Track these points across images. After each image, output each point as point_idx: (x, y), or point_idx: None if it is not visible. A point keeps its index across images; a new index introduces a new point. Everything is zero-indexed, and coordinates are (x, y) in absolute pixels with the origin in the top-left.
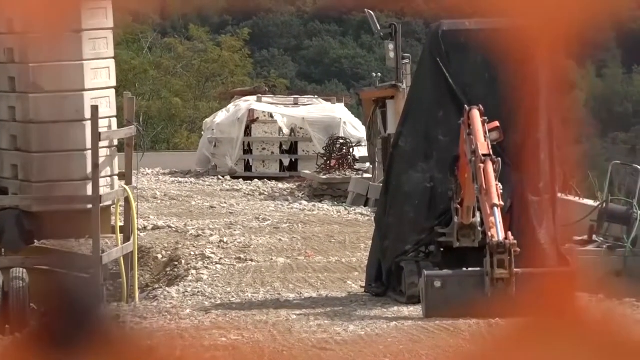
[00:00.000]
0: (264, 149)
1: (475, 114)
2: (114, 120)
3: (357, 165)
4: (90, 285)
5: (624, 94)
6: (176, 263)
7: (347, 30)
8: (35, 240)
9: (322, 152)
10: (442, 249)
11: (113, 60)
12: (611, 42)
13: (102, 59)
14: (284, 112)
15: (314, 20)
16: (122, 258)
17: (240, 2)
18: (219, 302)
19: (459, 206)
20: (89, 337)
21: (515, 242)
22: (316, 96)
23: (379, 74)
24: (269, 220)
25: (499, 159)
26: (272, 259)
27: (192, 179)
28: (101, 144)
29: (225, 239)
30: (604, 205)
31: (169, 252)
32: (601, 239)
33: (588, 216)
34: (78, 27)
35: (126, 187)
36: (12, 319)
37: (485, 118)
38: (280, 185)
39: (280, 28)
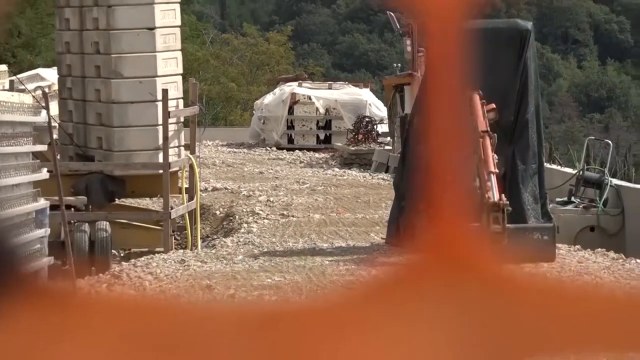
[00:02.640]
0: (303, 125)
1: (476, 97)
2: (181, 101)
3: (380, 139)
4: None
5: (599, 82)
6: (231, 218)
7: (373, 29)
8: (116, 199)
9: (351, 128)
10: None
11: (180, 52)
12: (589, 40)
13: (171, 50)
14: (320, 95)
15: (346, 20)
16: (187, 214)
17: (286, 5)
18: (265, 250)
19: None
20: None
21: (507, 202)
22: (347, 82)
23: (399, 64)
24: (307, 183)
25: (495, 134)
26: (309, 215)
27: (245, 150)
28: (170, 120)
29: (271, 199)
30: (581, 173)
31: (225, 209)
32: (578, 200)
33: (568, 182)
34: (152, 25)
35: (190, 156)
36: (97, 263)
37: (484, 101)
38: (316, 155)
39: (318, 26)
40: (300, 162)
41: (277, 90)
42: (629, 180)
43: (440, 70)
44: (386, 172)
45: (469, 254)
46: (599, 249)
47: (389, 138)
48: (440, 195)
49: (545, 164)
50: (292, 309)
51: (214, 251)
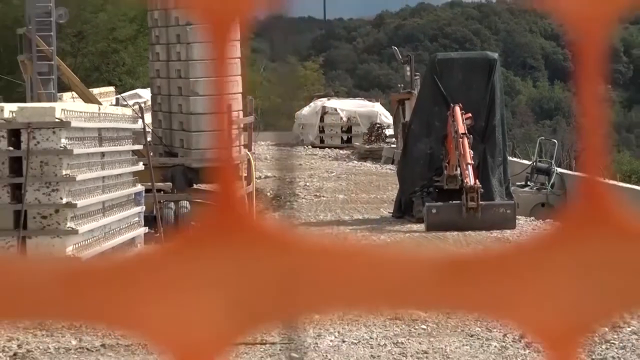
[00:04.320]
0: (331, 129)
1: (457, 109)
2: (241, 112)
3: (387, 140)
4: None
5: (549, 97)
6: (278, 198)
7: (383, 59)
8: (194, 184)
9: (366, 131)
10: (437, 190)
11: (240, 77)
12: (542, 66)
13: (233, 75)
14: (344, 107)
15: (363, 53)
16: (246, 195)
17: (319, 41)
18: (303, 221)
19: (447, 164)
20: None
21: (480, 185)
22: (363, 98)
23: (401, 85)
24: (334, 172)
25: (471, 136)
26: (335, 196)
27: (288, 148)
28: (233, 126)
29: (307, 183)
30: (535, 164)
31: (274, 191)
32: (532, 184)
33: (525, 170)
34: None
35: (248, 153)
36: (180, 232)
37: (463, 111)
38: (341, 151)
39: (343, 57)
40: (329, 157)
41: (312, 104)
42: (570, 169)
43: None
44: (392, 163)
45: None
46: (548, 220)
47: (394, 139)
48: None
49: (508, 157)
50: None
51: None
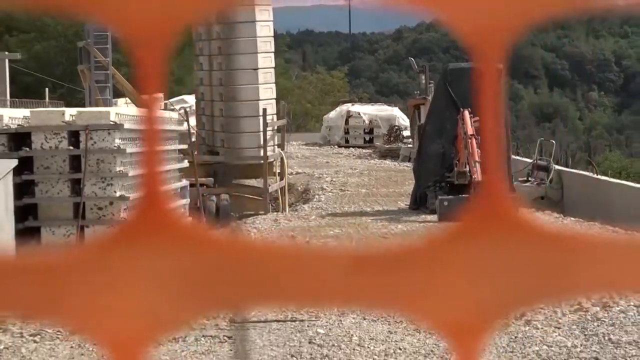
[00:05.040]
0: (355, 131)
1: (466, 113)
2: (275, 116)
3: (405, 140)
4: None
5: (548, 103)
6: (308, 191)
7: (402, 68)
8: (233, 180)
9: (386, 133)
10: (448, 185)
11: (274, 84)
12: (542, 75)
13: (268, 83)
14: (366, 112)
15: (384, 63)
16: (279, 189)
17: (345, 53)
18: (330, 212)
19: (457, 162)
20: None
21: None
22: (383, 103)
23: (417, 92)
24: (357, 169)
25: (479, 137)
26: (358, 190)
27: (317, 147)
28: (268, 128)
29: (333, 179)
30: (535, 161)
31: (304, 186)
32: (532, 179)
33: (526, 167)
34: (256, 67)
35: (281, 151)
36: (221, 222)
37: (472, 114)
38: (363, 150)
39: (366, 67)
40: (353, 156)
41: (338, 109)
42: (567, 166)
43: None
44: (409, 161)
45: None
46: (547, 211)
47: (410, 139)
48: None
49: (512, 156)
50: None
51: (296, 213)
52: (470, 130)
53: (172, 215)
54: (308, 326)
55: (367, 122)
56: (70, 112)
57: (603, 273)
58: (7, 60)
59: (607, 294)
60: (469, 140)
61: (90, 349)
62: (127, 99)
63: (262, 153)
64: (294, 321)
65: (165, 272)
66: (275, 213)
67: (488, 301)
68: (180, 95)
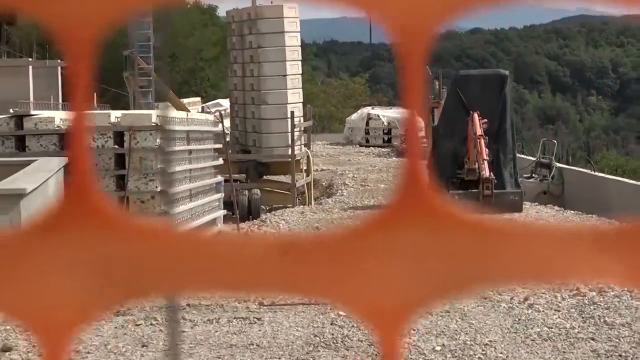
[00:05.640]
0: (375, 131)
1: (475, 115)
2: (302, 118)
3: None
4: None
5: (551, 106)
6: (331, 187)
7: None
8: (264, 176)
9: (403, 134)
10: (459, 181)
11: (301, 89)
12: (545, 81)
13: (295, 88)
14: (385, 114)
15: None
16: (305, 184)
17: (365, 61)
18: (351, 205)
19: (467, 160)
20: None
21: (494, 177)
22: (400, 107)
23: (432, 96)
24: (377, 166)
25: (487, 137)
26: (378, 185)
27: (340, 147)
28: (295, 129)
29: (355, 175)
30: (538, 159)
31: (328, 181)
32: (536, 176)
33: (530, 165)
34: (284, 73)
35: (307, 150)
36: (252, 214)
37: (481, 117)
38: (382, 149)
39: (385, 73)
40: (373, 154)
41: (359, 111)
42: (567, 164)
43: None
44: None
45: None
46: (549, 205)
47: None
48: None
49: (517, 154)
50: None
51: (321, 206)
52: (479, 131)
53: (100, 203)
54: (330, 309)
55: (385, 123)
56: (115, 115)
57: (527, 263)
58: (59, 68)
59: (532, 283)
60: (478, 140)
61: (133, 329)
62: (167, 102)
63: (289, 152)
64: (318, 304)
65: (91, 260)
66: (302, 206)
67: (409, 288)
68: (216, 99)
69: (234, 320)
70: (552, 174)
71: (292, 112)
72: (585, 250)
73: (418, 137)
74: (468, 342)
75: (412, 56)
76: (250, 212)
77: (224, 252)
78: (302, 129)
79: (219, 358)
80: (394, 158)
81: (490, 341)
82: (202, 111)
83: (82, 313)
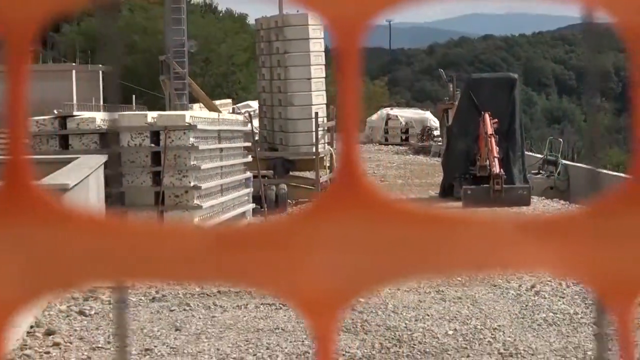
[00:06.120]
0: (393, 131)
1: (487, 116)
2: (325, 118)
3: (435, 139)
4: None
5: (557, 107)
6: None
7: (433, 78)
8: (290, 172)
9: (419, 133)
10: (471, 176)
11: (324, 91)
12: (552, 84)
13: (319, 90)
14: (403, 115)
15: (419, 73)
16: (328, 180)
17: (385, 65)
18: None
19: (479, 157)
20: None
21: (504, 173)
22: (417, 108)
23: (446, 98)
24: (395, 163)
25: (497, 136)
26: (396, 180)
27: (361, 145)
28: (319, 129)
29: (374, 172)
30: (546, 157)
31: None
32: (543, 172)
33: (538, 162)
34: (309, 77)
35: (331, 148)
36: (279, 208)
37: (491, 117)
38: (400, 147)
39: (403, 77)
40: (391, 152)
41: (379, 112)
42: (573, 161)
43: None
44: (438, 157)
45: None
46: (555, 199)
47: (440, 138)
48: None
49: (525, 152)
50: None
51: None
52: (490, 130)
53: (32, 193)
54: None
55: (403, 123)
56: (152, 115)
57: (461, 253)
58: (101, 72)
59: (472, 273)
60: (489, 139)
61: (168, 314)
62: (200, 104)
63: (314, 149)
64: None
65: (25, 246)
66: None
67: (342, 277)
68: (246, 101)
69: (261, 306)
70: (558, 171)
71: (317, 113)
72: (519, 240)
73: (354, 129)
74: (478, 327)
75: (348, 50)
76: (278, 206)
77: (160, 243)
78: (326, 128)
79: (247, 341)
80: (410, 155)
81: (499, 326)
82: (233, 112)
83: (20, 298)
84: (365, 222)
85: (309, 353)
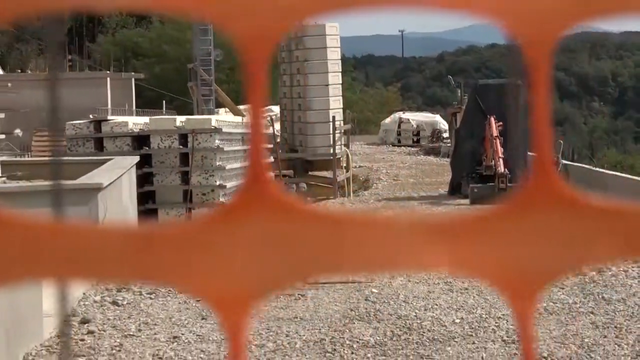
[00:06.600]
0: (406, 133)
1: (492, 119)
2: (342, 122)
3: (444, 141)
4: None
5: (559, 111)
6: (368, 181)
7: (443, 84)
8: (309, 172)
9: (430, 135)
10: (478, 176)
11: (341, 97)
12: (554, 88)
13: (336, 96)
14: (414, 118)
15: (430, 80)
16: (345, 179)
17: (398, 72)
18: (385, 197)
19: (485, 158)
20: None
21: (509, 172)
22: (428, 112)
23: (455, 102)
24: (407, 163)
25: (502, 137)
26: (408, 179)
27: (375, 146)
28: (336, 132)
29: (388, 171)
30: None
31: (364, 176)
32: None
33: None
34: (327, 83)
35: (347, 150)
36: None
37: (497, 120)
38: (412, 148)
39: (415, 83)
40: (403, 153)
41: (392, 116)
42: (573, 161)
43: None
44: (447, 157)
45: None
46: None
47: (449, 140)
48: None
49: (529, 153)
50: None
51: (358, 198)
52: (495, 132)
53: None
54: (364, 287)
55: (415, 126)
56: (180, 119)
57: (360, 252)
58: (133, 79)
59: (363, 273)
60: (494, 141)
61: (195, 304)
62: (226, 109)
63: (331, 151)
64: (354, 282)
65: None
66: (342, 198)
67: (251, 277)
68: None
69: (281, 296)
70: (558, 170)
71: (334, 117)
72: (416, 239)
73: (261, 132)
74: (483, 316)
75: (257, 58)
76: None
77: (84, 242)
78: (342, 131)
79: (268, 329)
80: (422, 156)
81: (503, 315)
82: None
83: None
84: (271, 223)
85: (325, 340)
